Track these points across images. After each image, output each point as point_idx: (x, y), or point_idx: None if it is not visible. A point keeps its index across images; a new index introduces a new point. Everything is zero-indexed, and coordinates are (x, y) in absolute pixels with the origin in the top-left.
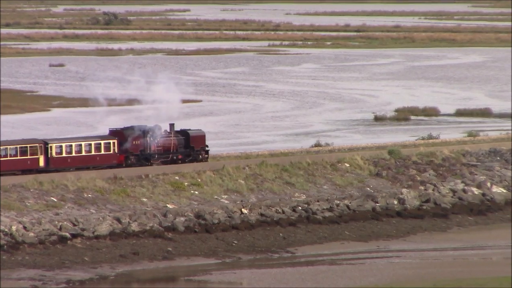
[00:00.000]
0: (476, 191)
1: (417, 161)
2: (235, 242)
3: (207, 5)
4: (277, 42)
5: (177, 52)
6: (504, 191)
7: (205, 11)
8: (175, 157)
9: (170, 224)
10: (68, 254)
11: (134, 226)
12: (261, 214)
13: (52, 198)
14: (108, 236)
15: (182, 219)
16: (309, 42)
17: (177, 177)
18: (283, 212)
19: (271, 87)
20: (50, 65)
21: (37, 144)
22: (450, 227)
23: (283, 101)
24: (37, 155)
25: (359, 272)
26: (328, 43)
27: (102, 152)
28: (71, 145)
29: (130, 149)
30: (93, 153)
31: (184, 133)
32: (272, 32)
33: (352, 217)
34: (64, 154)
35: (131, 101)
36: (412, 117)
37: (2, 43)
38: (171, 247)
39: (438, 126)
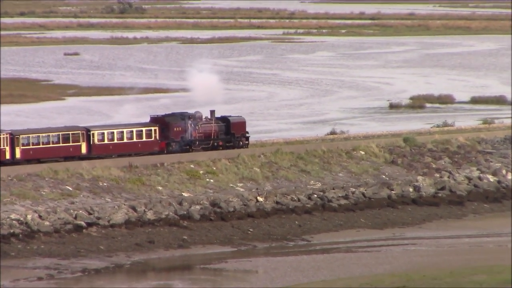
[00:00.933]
0: (491, 178)
1: (432, 149)
2: (250, 230)
3: None
4: (292, 30)
5: (191, 41)
6: None
7: None
8: (216, 144)
9: (185, 213)
10: (83, 243)
11: (150, 215)
12: (277, 202)
13: (67, 187)
14: (124, 224)
15: (198, 207)
16: (323, 30)
17: (192, 166)
18: (299, 200)
19: (286, 75)
20: (65, 54)
21: (80, 131)
22: (465, 215)
23: (298, 89)
24: (79, 142)
25: (375, 260)
26: (343, 31)
27: (144, 139)
28: (113, 132)
29: (171, 136)
30: (134, 140)
31: (224, 119)
32: (287, 20)
33: (367, 204)
34: (106, 141)
35: (149, 90)
36: (427, 105)
37: (17, 32)
38: (186, 236)
39: (453, 114)
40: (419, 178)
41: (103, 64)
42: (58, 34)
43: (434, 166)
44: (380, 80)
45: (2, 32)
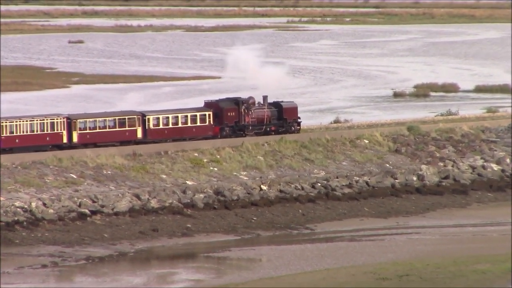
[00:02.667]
0: (495, 167)
1: (436, 137)
2: (254, 218)
3: None
4: (296, 19)
5: (196, 29)
6: None
7: None
8: (268, 129)
9: (189, 201)
10: (87, 231)
11: (154, 203)
12: (280, 191)
13: (71, 174)
14: (128, 212)
15: (201, 195)
16: (328, 19)
17: (196, 154)
18: (302, 188)
19: (290, 64)
20: (69, 42)
21: (135, 116)
22: (469, 204)
23: (301, 77)
24: (135, 127)
25: (378, 249)
26: (347, 19)
27: (198, 123)
28: (167, 117)
29: (225, 121)
30: (189, 124)
31: (277, 105)
32: (291, 9)
33: (371, 193)
34: (161, 126)
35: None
36: (432, 93)
37: (21, 19)
38: (190, 224)
39: (457, 102)
40: (423, 167)
41: (107, 52)
42: (63, 21)
43: (438, 155)
44: (384, 68)
45: (7, 20)
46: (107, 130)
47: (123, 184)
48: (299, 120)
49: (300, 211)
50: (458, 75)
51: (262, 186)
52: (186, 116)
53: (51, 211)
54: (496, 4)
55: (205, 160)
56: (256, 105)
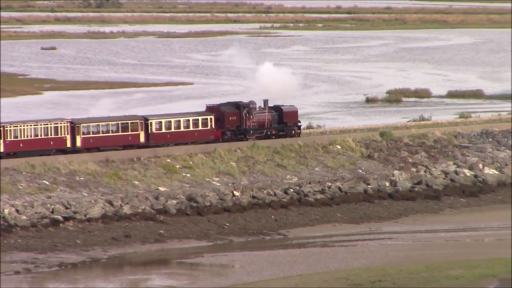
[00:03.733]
0: (468, 172)
1: (409, 143)
2: (227, 224)
3: None
4: (269, 24)
5: (168, 35)
6: (496, 172)
7: None
8: (269, 133)
9: (162, 207)
10: (60, 237)
11: (126, 209)
12: (253, 197)
13: (44, 181)
14: (100, 219)
15: (174, 201)
16: (300, 24)
17: (168, 160)
18: (275, 194)
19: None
20: (42, 48)
21: (138, 120)
22: (442, 209)
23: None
24: (137, 131)
25: (351, 254)
26: (320, 25)
27: (200, 127)
28: (170, 121)
29: (226, 125)
30: (191, 128)
31: (277, 109)
32: (264, 15)
33: (344, 199)
34: (163, 130)
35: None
36: (404, 99)
37: None
38: (163, 230)
39: (430, 108)
40: (396, 172)
41: (80, 58)
42: (36, 28)
43: (410, 160)
44: (357, 74)
45: None
46: (110, 134)
47: (95, 191)
48: (299, 124)
49: (272, 217)
50: (430, 81)
51: (234, 192)
52: (188, 120)
53: (24, 217)
54: (468, 10)
55: (177, 166)
56: (257, 109)
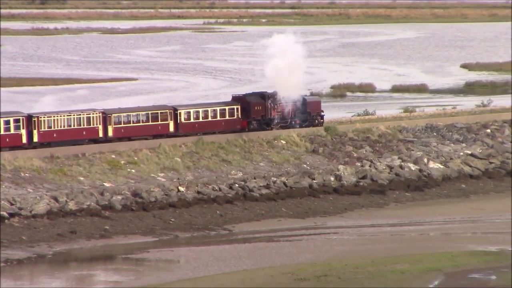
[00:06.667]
0: (413, 167)
1: (354, 138)
2: (172, 220)
3: None
4: (212, 20)
5: (112, 31)
6: (441, 166)
7: None
8: (293, 122)
9: (107, 203)
10: (5, 234)
11: (72, 205)
12: (198, 192)
13: None
14: (46, 215)
15: (119, 197)
16: (244, 20)
17: (113, 156)
18: (220, 189)
19: (207, 65)
20: None
21: (167, 110)
22: (387, 203)
23: (219, 79)
24: (167, 121)
25: (297, 249)
26: (264, 20)
27: (227, 117)
28: (198, 111)
29: (252, 115)
30: (218, 118)
31: (301, 99)
32: (208, 10)
33: (289, 194)
34: (192, 120)
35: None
36: (348, 94)
37: None
38: (108, 226)
39: (374, 102)
40: (341, 167)
41: (24, 55)
42: None
43: (355, 155)
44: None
45: None
46: (141, 124)
47: (41, 187)
48: (322, 114)
49: (218, 212)
50: (375, 75)
51: (179, 187)
52: (215, 110)
53: None
54: (412, 4)
55: (122, 162)
56: (282, 99)
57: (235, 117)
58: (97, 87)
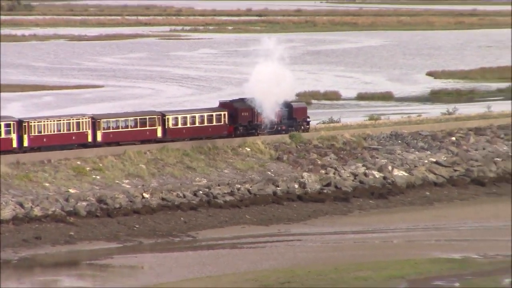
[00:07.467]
0: (377, 174)
1: (318, 145)
2: (136, 226)
3: None
4: (179, 27)
5: (79, 38)
6: (405, 174)
7: None
8: (279, 128)
9: (72, 209)
10: None
11: (37, 211)
12: (162, 199)
13: None
14: (11, 220)
15: (84, 203)
16: (210, 27)
17: (79, 162)
18: (184, 196)
19: (173, 72)
20: None
21: (156, 116)
22: (351, 211)
23: (183, 86)
24: (155, 126)
25: (260, 256)
26: (230, 27)
27: (214, 123)
28: (185, 117)
29: (239, 121)
30: (205, 124)
31: (287, 105)
32: (174, 17)
33: (253, 201)
34: (179, 125)
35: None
36: (314, 101)
37: None
38: (73, 232)
39: (339, 110)
40: (305, 174)
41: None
42: None
43: (319, 162)
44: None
45: None
46: (129, 129)
47: (6, 193)
48: (308, 120)
49: (182, 218)
50: (340, 83)
51: (144, 194)
52: (203, 116)
53: None
54: (378, 12)
55: (87, 168)
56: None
57: (222, 123)
58: (64, 94)
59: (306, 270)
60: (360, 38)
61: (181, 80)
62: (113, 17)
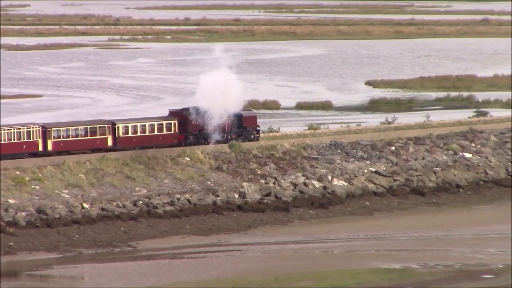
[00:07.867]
0: (317, 184)
1: (258, 155)
2: (76, 236)
3: (47, 0)
4: (117, 37)
5: (17, 48)
6: (345, 184)
7: (45, 6)
8: (229, 137)
9: (11, 219)
10: None
11: None
12: (102, 209)
13: None
14: None
15: (24, 213)
16: (149, 36)
17: (18, 172)
18: (124, 206)
19: (112, 82)
20: None
21: (106, 125)
22: (291, 221)
23: (122, 95)
24: (105, 135)
25: (200, 266)
26: (168, 37)
27: (164, 132)
28: (136, 126)
29: (189, 129)
30: (155, 133)
31: (237, 114)
32: (112, 27)
33: (193, 211)
34: (130, 134)
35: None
36: (253, 111)
37: None
38: (12, 242)
39: (278, 119)
40: (245, 184)
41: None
42: None
43: (259, 172)
44: None
45: None
46: (80, 138)
47: None
48: (258, 129)
49: (122, 228)
50: (279, 92)
51: (84, 204)
52: (153, 125)
53: None
54: (317, 21)
55: (27, 178)
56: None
57: (173, 131)
58: (2, 103)
59: (247, 280)
60: (299, 47)
61: (119, 89)
62: (51, 27)
